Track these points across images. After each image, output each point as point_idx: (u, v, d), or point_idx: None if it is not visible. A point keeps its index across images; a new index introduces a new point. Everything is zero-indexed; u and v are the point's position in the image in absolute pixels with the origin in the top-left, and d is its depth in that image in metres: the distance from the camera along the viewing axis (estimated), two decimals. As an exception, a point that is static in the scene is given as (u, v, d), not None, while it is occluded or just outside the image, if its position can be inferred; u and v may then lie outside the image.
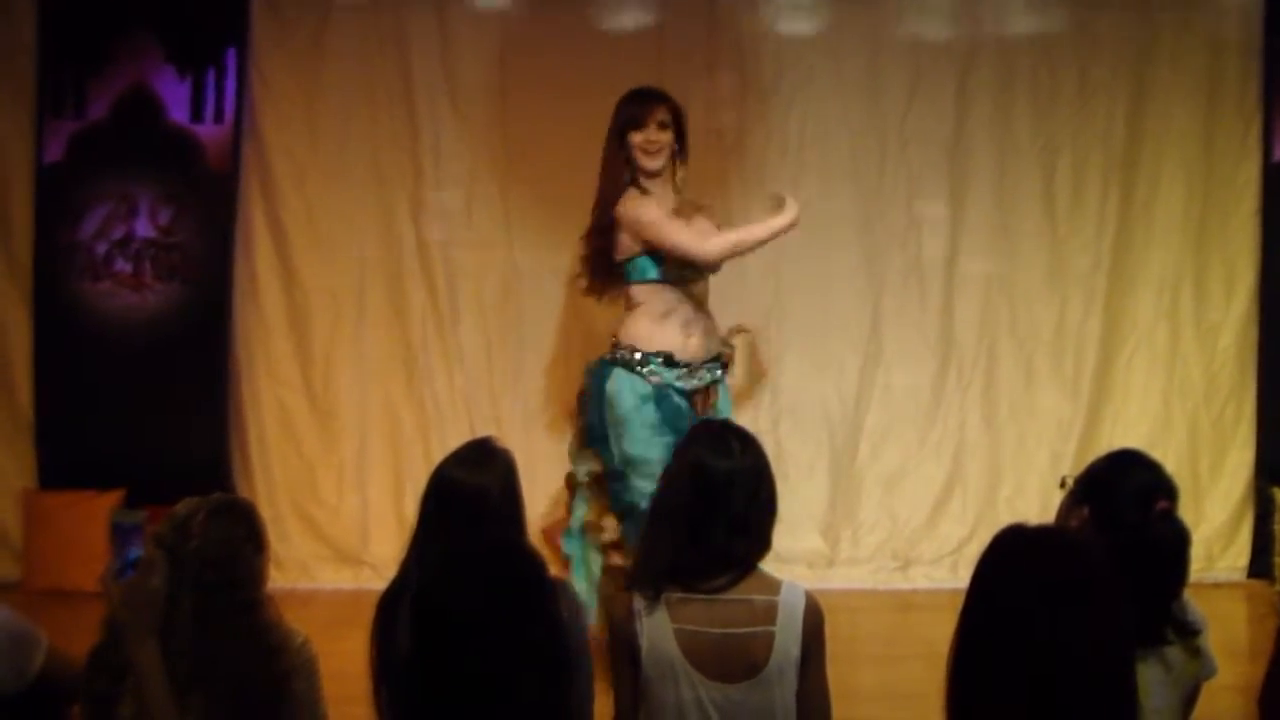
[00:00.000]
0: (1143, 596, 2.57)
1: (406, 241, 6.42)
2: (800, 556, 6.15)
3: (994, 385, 6.45)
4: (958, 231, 6.43)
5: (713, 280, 5.04)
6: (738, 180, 6.33)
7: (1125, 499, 2.81)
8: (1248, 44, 6.37)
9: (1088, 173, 6.41)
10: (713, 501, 2.76)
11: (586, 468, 5.01)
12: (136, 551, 2.76)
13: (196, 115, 6.31)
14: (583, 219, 6.44)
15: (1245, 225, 6.42)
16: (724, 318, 6.36)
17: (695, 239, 4.85)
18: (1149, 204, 6.42)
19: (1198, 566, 2.84)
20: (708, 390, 5.00)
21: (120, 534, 2.77)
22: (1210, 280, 6.45)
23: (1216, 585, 6.10)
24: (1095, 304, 6.43)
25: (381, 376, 6.45)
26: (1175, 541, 2.78)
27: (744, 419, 5.28)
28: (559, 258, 6.38)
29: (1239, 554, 6.39)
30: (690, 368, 4.93)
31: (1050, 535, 2.26)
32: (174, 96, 6.29)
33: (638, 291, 4.93)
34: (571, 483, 5.11)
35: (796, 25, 6.35)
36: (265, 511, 5.59)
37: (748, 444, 2.85)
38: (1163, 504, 2.81)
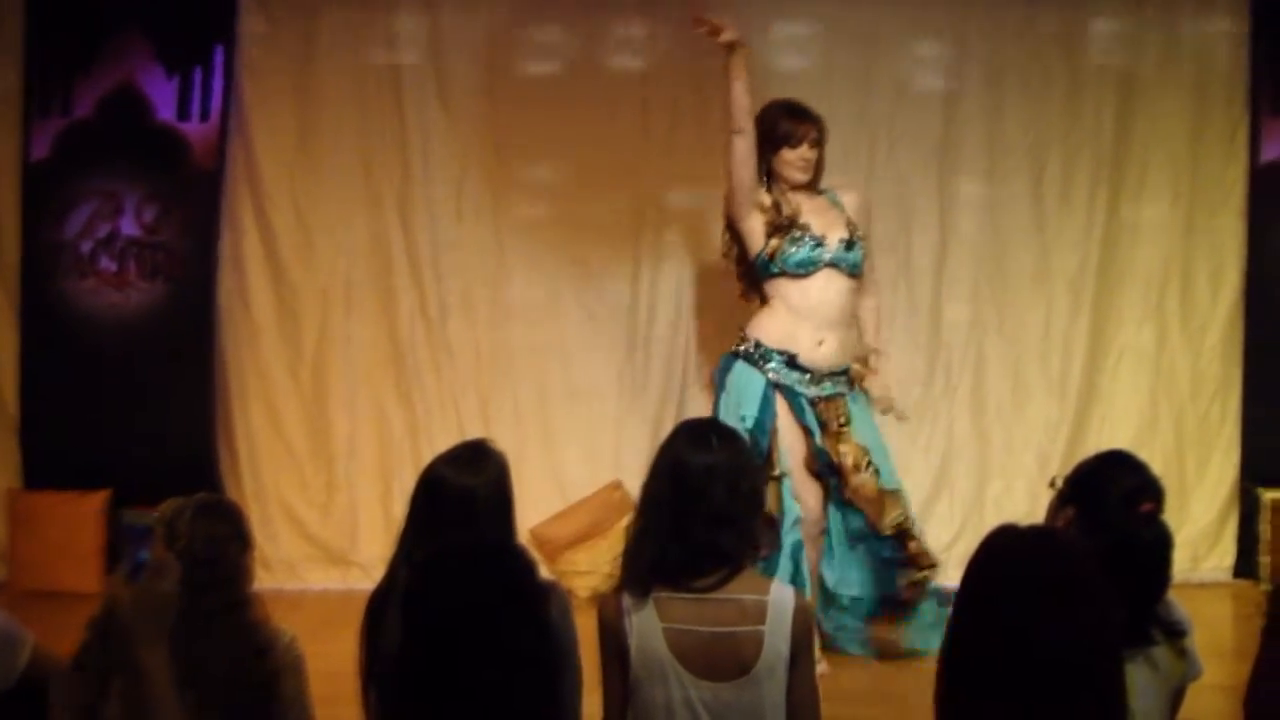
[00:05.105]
0: (1127, 597, 2.58)
1: (395, 240, 6.39)
2: (789, 555, 6.13)
3: (982, 386, 6.44)
4: (946, 231, 6.42)
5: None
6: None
7: (1111, 500, 2.81)
8: (1235, 44, 6.38)
9: (1076, 172, 6.41)
10: (692, 496, 2.76)
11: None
12: (145, 554, 2.74)
13: (183, 113, 6.28)
14: (572, 218, 6.46)
15: (1232, 225, 6.43)
16: (721, 315, 6.37)
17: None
18: (1136, 203, 6.42)
19: (1184, 567, 2.85)
20: (835, 403, 5.03)
21: (131, 536, 2.76)
22: (1197, 280, 6.45)
23: (1202, 585, 6.09)
24: (1083, 304, 6.42)
25: (370, 376, 6.42)
26: (1157, 545, 2.78)
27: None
28: (548, 256, 6.39)
29: (1225, 554, 6.40)
30: (814, 374, 5.00)
31: (1042, 536, 2.27)
32: (161, 95, 6.27)
33: (772, 286, 5.08)
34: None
35: (787, 24, 6.34)
36: (253, 512, 5.66)
37: (727, 439, 2.87)
38: (1147, 506, 2.81)
